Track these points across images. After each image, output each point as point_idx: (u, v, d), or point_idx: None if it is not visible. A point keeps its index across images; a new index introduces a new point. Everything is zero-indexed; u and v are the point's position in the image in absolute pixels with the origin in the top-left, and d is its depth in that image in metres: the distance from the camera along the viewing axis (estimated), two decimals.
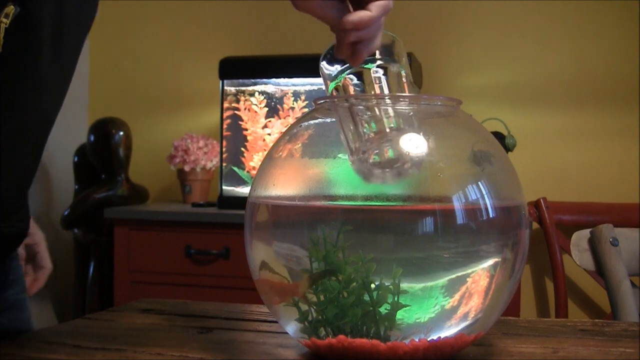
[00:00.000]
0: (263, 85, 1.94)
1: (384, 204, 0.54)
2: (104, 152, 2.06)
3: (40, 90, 0.65)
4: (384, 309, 0.53)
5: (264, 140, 1.93)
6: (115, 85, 2.43)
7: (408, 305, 0.52)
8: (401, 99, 0.56)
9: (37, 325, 0.77)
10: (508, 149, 1.87)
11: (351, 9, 0.59)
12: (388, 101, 0.57)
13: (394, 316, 0.52)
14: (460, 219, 0.51)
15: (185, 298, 0.86)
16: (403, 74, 0.61)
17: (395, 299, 0.52)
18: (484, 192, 0.52)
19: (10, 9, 0.60)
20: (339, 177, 0.56)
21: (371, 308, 0.52)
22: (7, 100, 0.62)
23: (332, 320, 0.53)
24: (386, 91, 0.59)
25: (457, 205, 0.51)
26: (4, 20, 0.60)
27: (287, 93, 1.92)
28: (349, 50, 0.60)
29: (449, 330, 0.53)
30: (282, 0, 2.54)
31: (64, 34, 0.66)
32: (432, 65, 2.08)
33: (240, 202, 1.85)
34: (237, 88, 1.95)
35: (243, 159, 1.95)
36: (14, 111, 0.63)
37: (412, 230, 0.51)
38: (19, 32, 0.61)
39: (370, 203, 0.54)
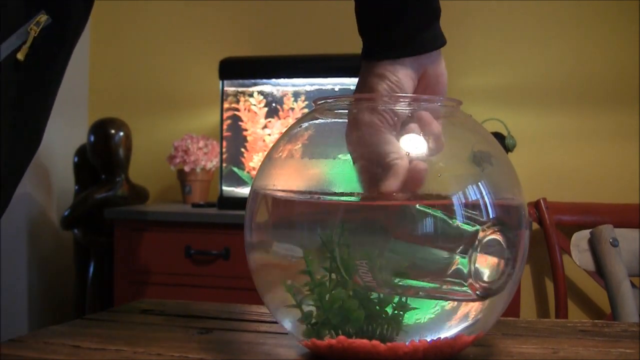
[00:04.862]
0: (263, 86, 1.94)
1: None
2: (103, 153, 2.06)
3: (43, 96, 0.65)
4: (388, 310, 0.53)
5: (264, 140, 1.93)
6: (115, 85, 2.43)
7: (416, 308, 0.52)
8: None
9: (37, 325, 0.77)
10: (508, 149, 1.88)
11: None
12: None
13: (400, 318, 0.53)
14: (460, 219, 0.51)
15: (185, 298, 0.86)
16: None
17: (402, 299, 0.52)
18: (484, 192, 0.52)
19: (43, 18, 0.59)
20: (338, 177, 0.56)
21: (378, 308, 0.53)
22: (19, 106, 0.62)
23: (336, 322, 0.53)
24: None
25: (457, 205, 0.51)
26: (35, 28, 0.59)
27: (287, 93, 1.92)
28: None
29: (448, 331, 0.53)
30: (282, 0, 2.53)
31: (72, 47, 0.66)
32: None
33: (240, 202, 1.85)
34: (237, 88, 1.95)
35: (243, 159, 1.95)
36: (22, 112, 0.63)
37: (413, 231, 0.51)
38: (45, 42, 0.60)
39: (370, 203, 0.54)
